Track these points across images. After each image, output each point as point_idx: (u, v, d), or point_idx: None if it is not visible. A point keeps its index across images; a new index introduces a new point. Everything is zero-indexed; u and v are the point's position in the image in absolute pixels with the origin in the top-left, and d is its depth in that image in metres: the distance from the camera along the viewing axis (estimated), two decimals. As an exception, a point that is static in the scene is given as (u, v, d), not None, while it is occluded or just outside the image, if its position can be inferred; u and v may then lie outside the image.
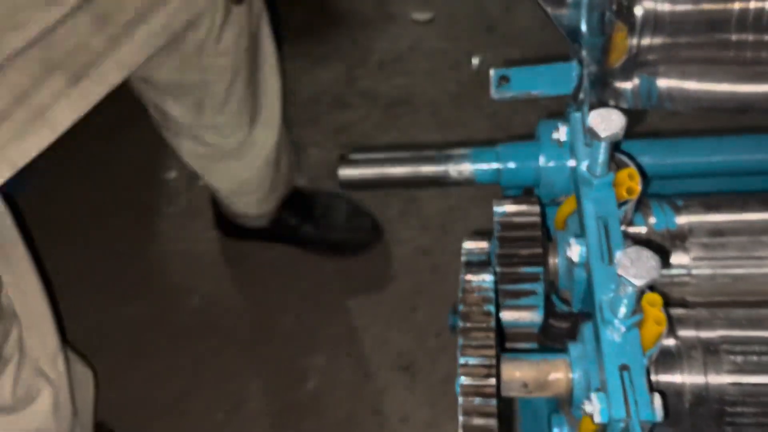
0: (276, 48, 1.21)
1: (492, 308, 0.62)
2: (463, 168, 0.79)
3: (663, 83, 0.77)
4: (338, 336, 1.40)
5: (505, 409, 0.66)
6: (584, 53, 0.71)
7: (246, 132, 1.22)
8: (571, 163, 0.73)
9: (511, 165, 0.78)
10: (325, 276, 1.46)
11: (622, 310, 0.54)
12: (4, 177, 0.79)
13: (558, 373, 0.63)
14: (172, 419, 1.32)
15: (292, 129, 1.51)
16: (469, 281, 0.65)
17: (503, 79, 0.79)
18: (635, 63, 0.76)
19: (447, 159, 0.79)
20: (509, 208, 0.73)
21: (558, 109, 0.78)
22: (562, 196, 0.77)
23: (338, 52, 1.82)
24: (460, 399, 0.59)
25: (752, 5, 0.73)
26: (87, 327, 1.17)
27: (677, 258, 0.68)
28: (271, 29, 1.19)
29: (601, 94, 0.76)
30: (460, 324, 0.62)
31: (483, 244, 0.77)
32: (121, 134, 1.65)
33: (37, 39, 0.76)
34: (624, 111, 0.62)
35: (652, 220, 0.69)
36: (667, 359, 0.61)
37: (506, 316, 0.69)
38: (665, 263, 0.66)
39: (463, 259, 0.77)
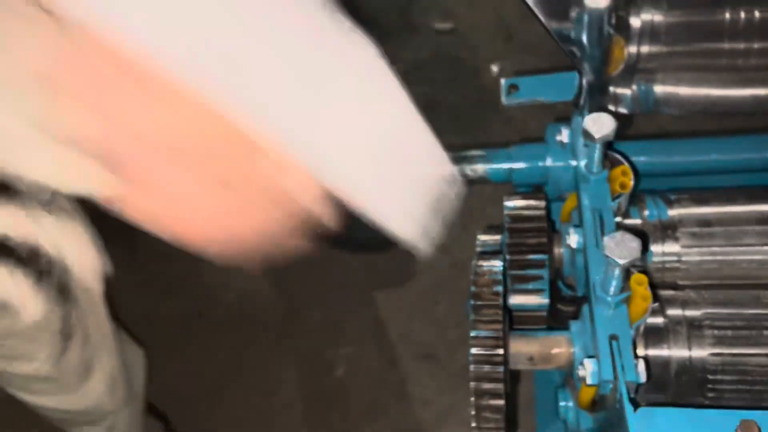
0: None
1: (500, 288, 0.70)
2: (477, 168, 0.87)
3: (659, 89, 0.84)
4: (364, 327, 1.47)
5: (513, 384, 0.73)
6: (584, 64, 0.78)
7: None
8: (575, 162, 0.81)
9: (522, 165, 0.85)
10: (351, 272, 1.53)
11: (612, 288, 0.62)
12: None
13: (560, 348, 0.71)
14: (214, 403, 1.40)
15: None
16: (481, 266, 0.73)
17: (513, 87, 0.87)
18: (633, 71, 0.82)
19: (463, 160, 0.87)
20: (518, 202, 0.81)
21: (568, 114, 0.85)
22: (567, 193, 0.85)
23: (364, 61, 1.88)
24: (472, 367, 0.67)
25: (742, 15, 0.79)
26: (132, 321, 1.24)
27: (669, 246, 0.75)
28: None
29: (602, 100, 0.83)
30: (472, 302, 0.70)
31: (495, 237, 0.85)
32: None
33: None
34: (614, 116, 0.69)
35: (646, 212, 0.77)
36: (656, 334, 0.68)
37: (515, 299, 0.77)
38: (646, 247, 0.73)
39: (477, 249, 0.85)
